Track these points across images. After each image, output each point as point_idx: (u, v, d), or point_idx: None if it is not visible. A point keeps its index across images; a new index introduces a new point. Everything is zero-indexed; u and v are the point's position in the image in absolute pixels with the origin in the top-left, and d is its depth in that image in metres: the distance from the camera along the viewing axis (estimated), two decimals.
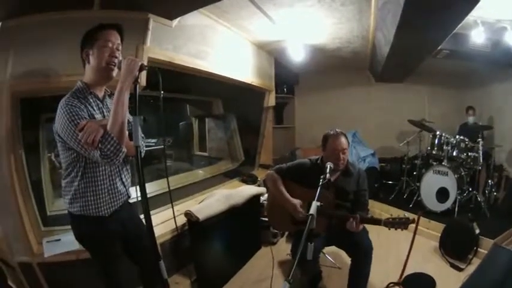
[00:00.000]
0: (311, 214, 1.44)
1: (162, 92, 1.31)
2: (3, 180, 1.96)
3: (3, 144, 1.93)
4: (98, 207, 1.45)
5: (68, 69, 1.91)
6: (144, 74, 2.05)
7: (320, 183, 1.66)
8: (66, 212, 2.20)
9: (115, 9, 2.01)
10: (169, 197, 1.47)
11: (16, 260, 2.02)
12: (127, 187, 1.60)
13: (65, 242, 2.02)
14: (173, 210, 1.51)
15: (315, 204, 1.50)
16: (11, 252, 2.02)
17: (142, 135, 1.53)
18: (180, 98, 3.75)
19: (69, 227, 2.07)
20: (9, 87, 1.93)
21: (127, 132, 1.35)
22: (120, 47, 1.47)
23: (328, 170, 1.81)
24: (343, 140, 2.09)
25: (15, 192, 1.98)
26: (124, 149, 1.33)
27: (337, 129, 2.18)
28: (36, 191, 2.17)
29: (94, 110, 1.44)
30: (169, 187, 1.42)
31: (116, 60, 1.42)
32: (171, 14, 2.19)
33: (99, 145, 1.26)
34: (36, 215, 2.14)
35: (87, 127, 1.28)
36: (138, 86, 1.30)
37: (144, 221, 1.26)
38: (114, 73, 1.44)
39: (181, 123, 4.23)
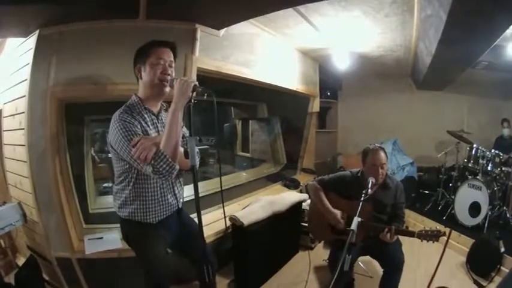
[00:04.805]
0: (352, 229, 1.51)
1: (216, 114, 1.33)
2: (48, 181, 2.03)
3: (48, 147, 2.01)
4: (145, 215, 1.50)
5: (115, 77, 1.96)
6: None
7: (362, 198, 1.71)
8: (107, 210, 2.33)
9: (161, 20, 2.03)
10: (223, 206, 1.50)
11: (54, 255, 2.11)
12: (178, 199, 1.63)
13: (107, 240, 2.11)
14: (224, 216, 1.55)
15: (356, 219, 1.57)
16: (49, 247, 2.11)
17: (198, 150, 1.55)
18: (226, 102, 3.83)
19: (111, 225, 2.18)
20: (52, 94, 1.97)
21: (181, 149, 1.36)
22: (173, 64, 1.48)
23: (370, 185, 1.85)
24: (382, 155, 2.12)
25: (59, 192, 2.06)
26: (177, 167, 1.35)
27: (376, 144, 2.21)
28: (79, 190, 2.26)
29: (148, 125, 1.46)
30: (222, 197, 1.45)
31: (169, 78, 1.43)
32: (218, 24, 2.20)
33: (152, 162, 1.28)
34: (79, 213, 2.23)
35: (140, 144, 1.30)
36: (191, 106, 1.30)
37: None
38: (167, 89, 1.45)
39: (225, 125, 4.30)
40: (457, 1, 1.68)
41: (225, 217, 1.54)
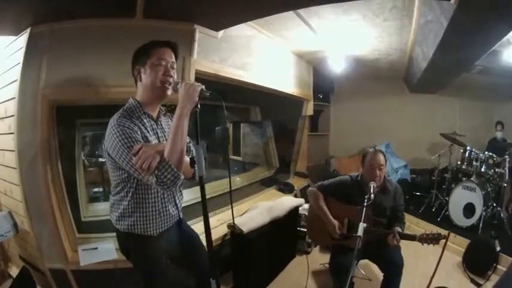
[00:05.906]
0: (359, 236, 1.55)
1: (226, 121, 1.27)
2: (39, 189, 1.92)
3: (39, 153, 1.89)
4: (145, 228, 1.41)
5: (109, 79, 1.87)
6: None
7: (365, 203, 1.74)
8: (100, 218, 2.24)
9: (158, 19, 1.95)
10: (231, 208, 1.44)
11: (48, 266, 2.00)
12: (179, 209, 1.56)
13: (102, 251, 2.01)
14: (233, 217, 1.48)
15: (361, 225, 1.60)
16: (42, 258, 2.00)
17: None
18: (219, 104, 3.77)
19: (104, 234, 2.08)
20: (44, 96, 1.86)
21: (187, 158, 1.28)
22: (174, 66, 1.39)
23: (372, 190, 1.87)
24: (380, 157, 2.14)
25: (51, 200, 1.95)
26: (182, 176, 1.24)
27: (375, 147, 2.26)
28: (71, 197, 2.15)
29: (148, 131, 1.36)
30: (231, 200, 1.39)
31: (171, 80, 1.34)
32: (217, 25, 2.13)
33: (156, 172, 1.18)
34: (72, 223, 2.12)
35: (142, 152, 1.20)
36: (198, 112, 1.23)
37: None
38: (169, 92, 1.37)
39: (217, 128, 4.21)
40: (460, 8, 1.69)
41: (233, 218, 1.48)
